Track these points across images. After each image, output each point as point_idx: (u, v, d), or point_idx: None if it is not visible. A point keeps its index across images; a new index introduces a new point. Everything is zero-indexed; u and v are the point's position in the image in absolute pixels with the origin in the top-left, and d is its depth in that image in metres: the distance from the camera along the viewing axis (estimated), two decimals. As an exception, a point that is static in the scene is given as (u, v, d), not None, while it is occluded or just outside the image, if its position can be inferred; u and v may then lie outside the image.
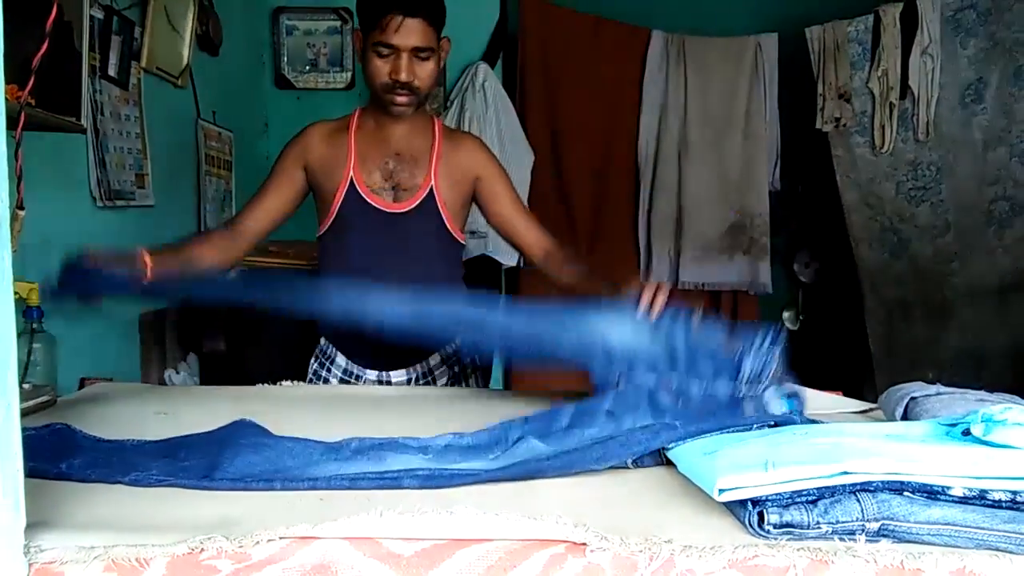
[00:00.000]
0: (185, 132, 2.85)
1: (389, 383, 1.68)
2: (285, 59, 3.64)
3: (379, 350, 1.65)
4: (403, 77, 1.53)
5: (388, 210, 1.62)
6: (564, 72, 3.58)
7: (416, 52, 1.52)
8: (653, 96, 3.65)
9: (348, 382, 1.71)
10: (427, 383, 1.70)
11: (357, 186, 1.62)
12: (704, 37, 3.63)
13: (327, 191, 1.65)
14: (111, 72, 2.24)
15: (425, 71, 1.55)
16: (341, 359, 1.72)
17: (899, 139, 3.26)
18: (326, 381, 1.72)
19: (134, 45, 2.36)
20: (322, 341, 1.75)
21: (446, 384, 1.71)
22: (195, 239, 1.70)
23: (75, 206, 2.09)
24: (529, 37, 3.53)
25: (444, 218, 1.65)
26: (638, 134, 3.69)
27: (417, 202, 1.63)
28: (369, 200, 1.62)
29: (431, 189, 1.63)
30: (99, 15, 2.15)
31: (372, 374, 1.69)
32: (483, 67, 3.34)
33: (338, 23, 3.59)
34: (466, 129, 3.28)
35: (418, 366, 1.69)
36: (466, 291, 1.75)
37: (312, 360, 1.76)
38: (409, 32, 1.50)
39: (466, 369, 1.75)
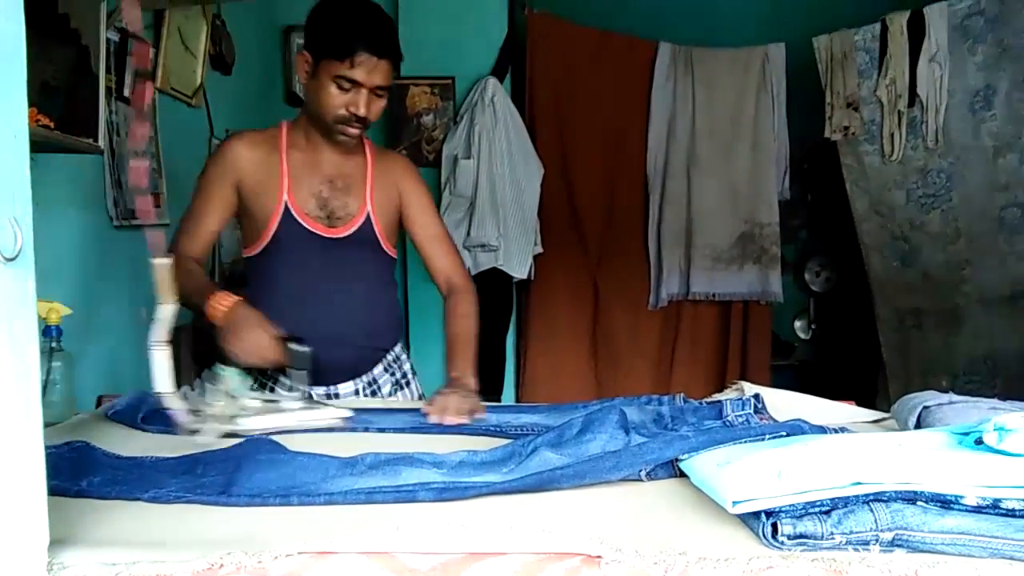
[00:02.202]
0: (199, 151, 2.88)
1: (337, 395, 1.70)
2: (296, 77, 3.68)
3: (327, 368, 1.62)
4: (362, 112, 1.54)
5: (325, 235, 1.63)
6: (572, 85, 3.60)
7: (376, 89, 1.54)
8: (661, 108, 3.66)
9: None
10: (373, 392, 1.73)
11: (292, 210, 1.61)
12: (711, 48, 3.65)
13: (259, 212, 1.62)
14: (126, 93, 2.27)
15: (379, 106, 1.58)
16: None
17: (908, 147, 3.25)
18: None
19: (150, 66, 2.39)
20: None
21: (391, 391, 1.75)
22: (192, 270, 1.59)
23: (92, 226, 2.12)
24: (537, 51, 3.55)
25: (380, 240, 1.68)
26: (647, 146, 3.69)
27: (354, 228, 1.65)
28: (305, 224, 1.61)
29: (367, 215, 1.66)
30: (115, 37, 2.18)
31: (320, 390, 1.67)
32: (492, 82, 3.36)
33: (348, 41, 3.63)
34: (476, 144, 3.30)
35: (364, 377, 1.72)
36: (395, 303, 1.80)
37: (259, 384, 1.73)
38: (377, 72, 1.52)
39: (407, 375, 1.80)
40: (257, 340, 1.42)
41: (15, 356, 0.73)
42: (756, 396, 1.32)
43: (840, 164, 3.40)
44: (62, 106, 1.68)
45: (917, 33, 3.15)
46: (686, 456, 0.98)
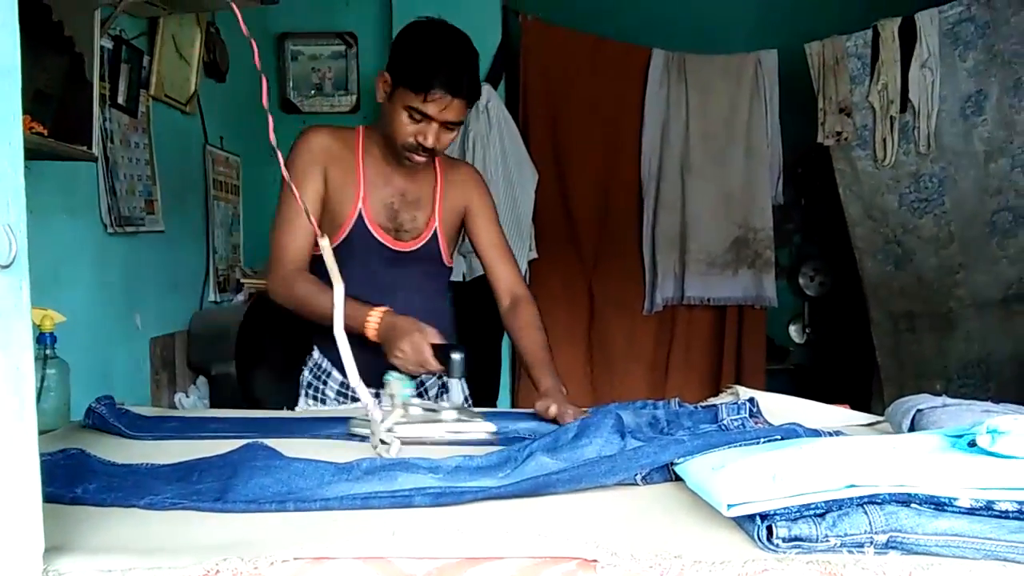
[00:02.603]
0: (193, 158, 2.89)
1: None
2: (291, 84, 3.69)
3: (375, 367, 1.61)
4: (430, 144, 1.55)
5: (393, 247, 1.65)
6: (566, 91, 3.61)
7: (448, 123, 1.55)
8: (655, 113, 3.68)
9: (344, 395, 1.70)
10: (420, 394, 1.72)
11: (365, 218, 1.63)
12: (704, 55, 3.67)
13: (335, 212, 1.63)
14: (120, 100, 2.28)
15: (449, 138, 1.58)
16: (337, 374, 1.71)
17: (901, 152, 3.27)
18: (322, 394, 1.72)
19: (143, 73, 2.40)
20: (315, 353, 1.74)
21: (437, 392, 1.75)
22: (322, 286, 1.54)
23: (86, 233, 2.12)
24: (531, 58, 3.57)
25: (443, 255, 1.71)
26: (641, 151, 3.71)
27: (421, 243, 1.67)
28: (375, 234, 1.63)
29: (435, 231, 1.68)
30: (108, 45, 2.19)
31: (372, 391, 1.68)
32: (486, 88, 3.36)
33: (343, 48, 3.64)
34: (471, 150, 3.30)
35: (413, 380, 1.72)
36: (447, 311, 1.81)
37: (305, 371, 1.74)
38: (447, 108, 1.52)
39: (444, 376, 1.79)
40: (417, 348, 1.42)
41: (10, 363, 0.73)
42: (751, 400, 1.33)
43: (833, 169, 3.42)
44: (56, 114, 1.69)
45: (908, 39, 3.17)
46: (681, 460, 0.99)
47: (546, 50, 3.57)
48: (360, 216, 1.62)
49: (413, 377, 1.41)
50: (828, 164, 3.44)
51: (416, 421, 1.30)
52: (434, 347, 1.42)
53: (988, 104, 3.14)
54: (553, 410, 1.39)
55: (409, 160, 1.59)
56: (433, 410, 1.37)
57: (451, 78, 1.50)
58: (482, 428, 1.32)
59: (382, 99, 1.58)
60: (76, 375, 1.57)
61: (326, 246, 1.21)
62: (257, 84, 1.10)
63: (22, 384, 0.74)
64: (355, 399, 1.69)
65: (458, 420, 1.33)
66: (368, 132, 1.68)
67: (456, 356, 1.38)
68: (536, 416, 1.43)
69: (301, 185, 1.55)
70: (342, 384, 1.72)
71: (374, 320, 1.47)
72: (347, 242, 1.63)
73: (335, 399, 1.71)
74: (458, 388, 1.43)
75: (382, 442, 1.19)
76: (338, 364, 1.70)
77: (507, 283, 1.76)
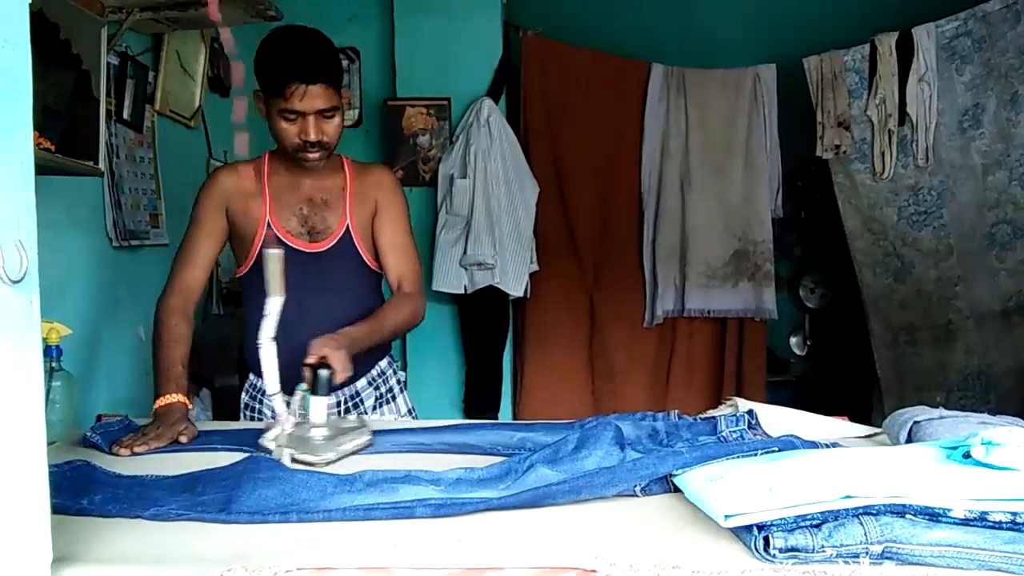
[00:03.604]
0: (198, 172, 2.91)
1: None
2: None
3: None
4: (312, 138, 1.58)
5: (306, 250, 1.68)
6: (566, 106, 3.63)
7: (321, 113, 1.58)
8: (654, 127, 3.70)
9: None
10: (355, 405, 1.76)
11: (274, 229, 1.68)
12: (703, 69, 3.69)
13: (246, 234, 1.69)
14: (126, 116, 2.30)
15: (332, 127, 1.61)
16: None
17: (899, 165, 3.29)
18: (259, 413, 1.77)
19: (148, 89, 2.42)
20: (251, 376, 1.80)
21: (373, 405, 1.77)
22: (176, 342, 1.61)
23: (92, 247, 2.14)
24: (531, 72, 3.59)
25: (361, 254, 1.72)
26: (640, 164, 3.73)
27: (334, 241, 1.69)
28: (287, 241, 1.67)
29: (347, 228, 1.70)
30: (115, 61, 2.21)
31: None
32: (487, 102, 3.39)
33: (345, 63, 3.66)
34: (472, 163, 3.33)
35: (345, 390, 1.75)
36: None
37: (243, 394, 1.81)
38: (312, 98, 1.55)
39: (392, 389, 1.81)
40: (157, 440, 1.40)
41: (20, 376, 0.75)
42: (750, 412, 1.34)
43: (832, 182, 3.44)
44: (63, 129, 1.71)
45: (906, 53, 3.19)
46: (680, 471, 1.00)
47: (546, 65, 3.60)
48: (269, 227, 1.67)
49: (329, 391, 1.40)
50: (827, 177, 3.46)
51: (308, 440, 1.29)
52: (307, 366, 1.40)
53: (986, 117, 3.16)
54: (313, 347, 1.39)
55: (306, 160, 1.63)
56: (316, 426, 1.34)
57: (299, 68, 1.54)
58: (363, 433, 1.34)
59: (264, 117, 1.63)
60: (81, 387, 1.58)
61: (275, 255, 1.28)
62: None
63: (31, 397, 0.76)
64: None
65: (334, 436, 1.30)
66: (272, 154, 1.73)
67: (323, 373, 1.36)
68: (536, 427, 1.44)
69: (201, 223, 1.70)
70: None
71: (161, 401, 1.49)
72: (261, 256, 1.65)
73: (272, 418, 1.73)
74: (322, 406, 1.38)
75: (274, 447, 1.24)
76: None
77: (398, 274, 1.73)
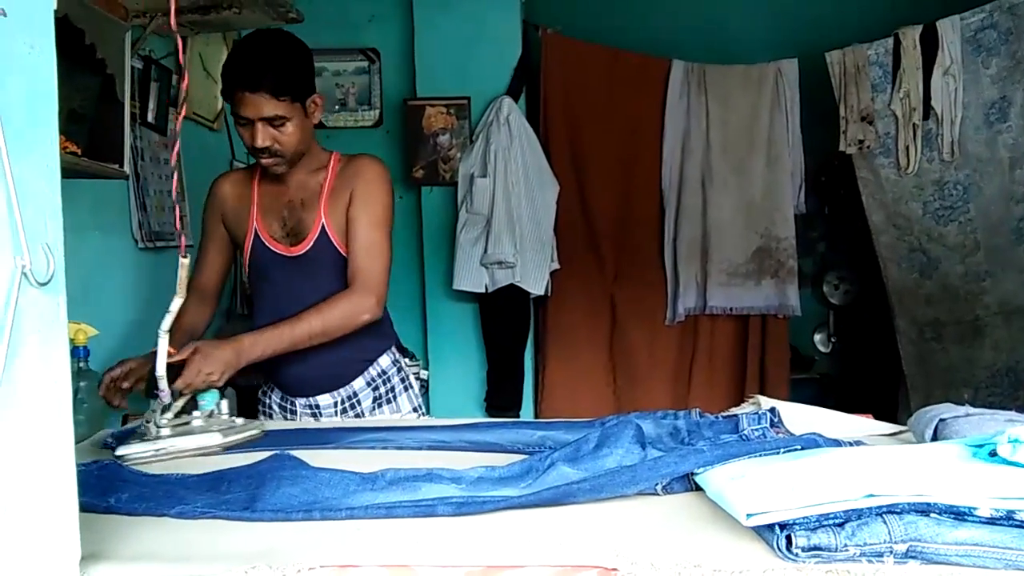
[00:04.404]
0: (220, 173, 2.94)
1: (318, 407, 1.78)
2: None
3: (304, 379, 1.76)
4: (258, 143, 1.60)
5: (288, 254, 1.71)
6: (586, 104, 3.62)
7: (268, 121, 1.58)
8: (675, 124, 3.68)
9: (285, 408, 1.82)
10: (352, 406, 1.78)
11: (260, 235, 1.73)
12: (724, 65, 3.67)
13: (239, 241, 1.78)
14: (150, 119, 2.33)
15: (284, 135, 1.61)
16: (277, 391, 1.83)
17: (924, 159, 3.24)
18: (270, 410, 1.85)
19: (171, 92, 2.45)
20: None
21: (372, 406, 1.78)
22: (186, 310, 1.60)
23: (117, 248, 2.17)
24: (551, 71, 3.59)
25: (340, 250, 1.70)
26: (661, 162, 3.71)
27: (310, 244, 1.70)
28: (271, 247, 1.72)
29: (323, 227, 1.69)
30: (139, 65, 2.24)
31: (302, 401, 1.79)
32: (507, 101, 3.39)
33: (366, 63, 3.68)
34: (492, 162, 3.33)
35: (342, 390, 1.77)
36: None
37: (260, 393, 1.89)
38: (255, 105, 1.56)
39: (394, 389, 1.81)
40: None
41: (49, 377, 0.76)
42: (772, 410, 1.32)
43: (856, 177, 3.40)
44: (89, 133, 1.73)
45: (930, 46, 3.15)
46: (701, 470, 0.99)
47: (566, 63, 3.59)
48: (256, 235, 1.73)
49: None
50: (851, 172, 3.42)
51: (194, 432, 1.36)
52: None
53: (1012, 111, 3.10)
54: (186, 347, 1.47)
55: (264, 165, 1.67)
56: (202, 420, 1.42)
57: (243, 76, 1.55)
58: (251, 428, 1.39)
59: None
60: (108, 388, 1.60)
61: (184, 263, 1.32)
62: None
63: (60, 397, 0.77)
64: (293, 411, 1.80)
65: (221, 429, 1.36)
66: None
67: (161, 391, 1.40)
68: (557, 425, 1.44)
69: (205, 233, 1.83)
70: (283, 398, 1.82)
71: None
72: (252, 263, 1.76)
73: (278, 411, 1.83)
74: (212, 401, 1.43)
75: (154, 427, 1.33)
76: (275, 380, 1.82)
77: (350, 271, 1.68)
